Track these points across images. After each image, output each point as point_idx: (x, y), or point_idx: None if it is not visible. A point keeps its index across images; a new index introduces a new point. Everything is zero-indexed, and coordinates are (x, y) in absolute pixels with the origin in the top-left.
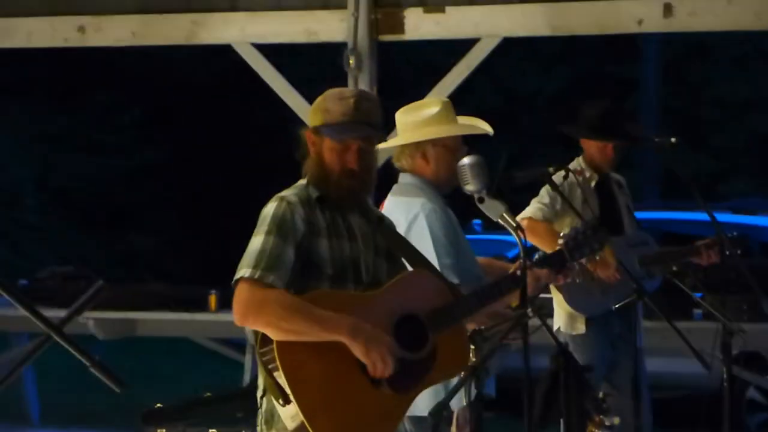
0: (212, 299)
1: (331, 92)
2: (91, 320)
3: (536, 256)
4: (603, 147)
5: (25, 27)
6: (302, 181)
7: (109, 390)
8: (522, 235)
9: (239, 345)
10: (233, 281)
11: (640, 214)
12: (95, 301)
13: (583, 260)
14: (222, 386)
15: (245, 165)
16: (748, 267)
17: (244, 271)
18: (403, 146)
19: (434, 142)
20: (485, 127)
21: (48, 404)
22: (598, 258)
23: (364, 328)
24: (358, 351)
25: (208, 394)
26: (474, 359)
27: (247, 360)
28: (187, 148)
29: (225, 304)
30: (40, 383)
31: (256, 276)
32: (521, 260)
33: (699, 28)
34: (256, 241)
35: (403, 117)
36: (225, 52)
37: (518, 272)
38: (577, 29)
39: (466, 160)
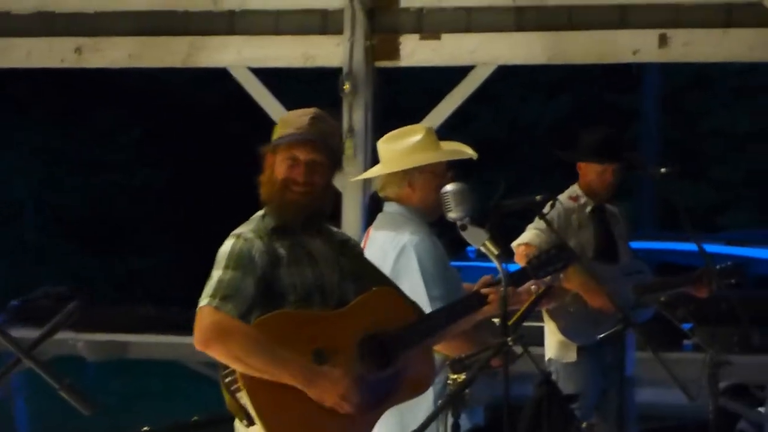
0: None
1: (293, 111)
2: (80, 342)
3: (499, 275)
4: (602, 171)
5: (24, 47)
6: (257, 214)
7: (98, 412)
8: (503, 263)
9: None
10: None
11: (635, 244)
12: (69, 321)
13: (548, 278)
14: (210, 410)
15: (242, 188)
16: (741, 298)
17: (202, 301)
18: (389, 175)
19: (421, 170)
20: (470, 152)
21: (37, 425)
22: (562, 277)
23: (319, 376)
24: (313, 397)
25: (196, 417)
26: (453, 387)
27: None
28: (185, 169)
29: None
30: (29, 404)
31: (214, 304)
32: (500, 288)
33: (694, 58)
34: (214, 275)
35: (386, 145)
36: (225, 74)
37: (483, 290)
38: (572, 58)
39: (449, 187)
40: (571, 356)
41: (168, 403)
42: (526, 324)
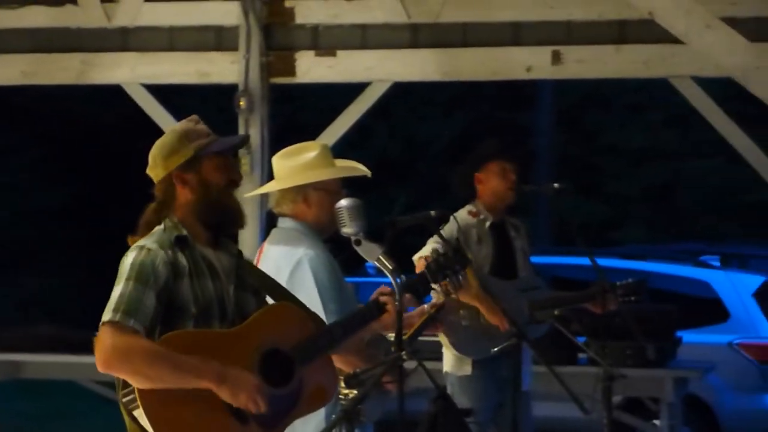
0: None
1: (168, 133)
2: None
3: (399, 280)
4: (503, 172)
5: None
6: (158, 227)
7: None
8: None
9: None
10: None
11: (531, 258)
12: None
13: (446, 282)
14: (107, 431)
15: (141, 207)
16: (634, 312)
17: (105, 316)
18: (284, 191)
19: (316, 186)
20: (363, 170)
21: None
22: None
23: (229, 373)
24: (226, 397)
25: None
26: (346, 403)
27: None
28: (83, 189)
29: None
30: None
31: (116, 319)
32: (396, 301)
33: (587, 75)
34: (116, 290)
35: (281, 161)
36: (123, 92)
37: (381, 299)
38: (467, 75)
39: (343, 203)
40: (466, 370)
41: (64, 423)
42: (424, 338)
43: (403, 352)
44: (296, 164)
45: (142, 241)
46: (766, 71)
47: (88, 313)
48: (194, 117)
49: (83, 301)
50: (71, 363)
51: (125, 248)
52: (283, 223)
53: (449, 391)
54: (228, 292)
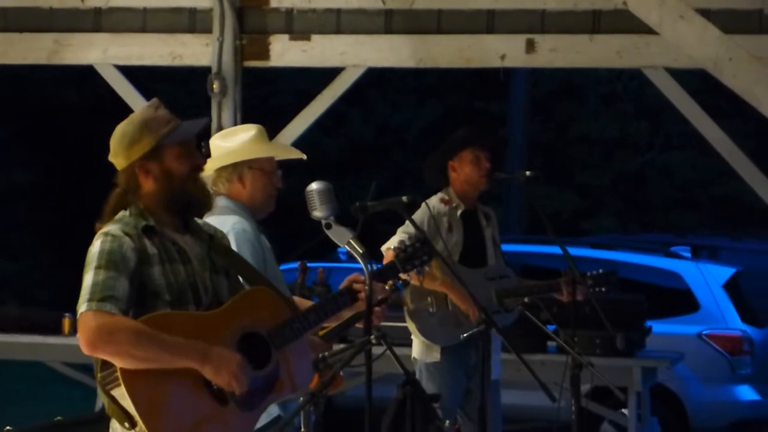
0: (66, 323)
1: (128, 122)
2: None
3: (370, 266)
4: (477, 160)
5: None
6: (123, 213)
7: None
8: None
9: (92, 370)
10: (77, 319)
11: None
12: None
13: (414, 271)
14: (74, 411)
15: (111, 190)
16: (604, 301)
17: (80, 307)
18: (220, 170)
19: (251, 165)
20: (299, 154)
21: None
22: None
23: (212, 351)
24: (209, 374)
25: (59, 418)
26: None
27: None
28: (54, 171)
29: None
30: None
31: (93, 307)
32: (365, 285)
33: (561, 64)
34: (87, 278)
35: (218, 142)
36: (95, 73)
37: (355, 286)
38: (441, 62)
39: (313, 186)
40: (435, 356)
41: (31, 404)
42: (394, 324)
43: (372, 337)
44: (232, 144)
45: (107, 228)
46: (739, 63)
47: (56, 295)
48: (155, 101)
49: (51, 282)
50: (37, 344)
51: (92, 231)
52: (219, 201)
53: (417, 377)
54: (203, 277)
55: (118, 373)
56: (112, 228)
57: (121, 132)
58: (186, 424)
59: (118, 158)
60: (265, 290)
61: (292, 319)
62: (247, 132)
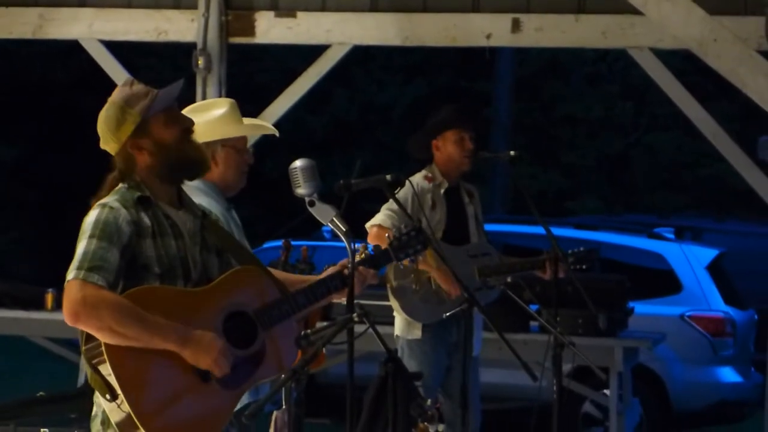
0: (49, 298)
1: (108, 106)
2: None
3: (359, 250)
4: (460, 140)
5: None
6: (121, 186)
7: None
8: (350, 239)
9: (75, 345)
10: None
11: (484, 226)
12: None
13: (408, 260)
14: (56, 386)
15: (96, 165)
16: (587, 281)
17: (69, 274)
18: None
19: (224, 143)
20: (272, 129)
21: None
22: (422, 260)
23: (192, 336)
24: (189, 358)
25: (42, 393)
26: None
27: (82, 361)
28: (37, 146)
29: (62, 303)
30: None
31: (81, 276)
32: (349, 263)
33: (546, 44)
34: (80, 247)
35: (189, 116)
36: (80, 48)
37: (346, 271)
38: (427, 40)
39: (297, 163)
40: (416, 333)
41: (13, 379)
42: (377, 303)
43: (354, 315)
44: (204, 120)
45: (104, 200)
46: (724, 44)
47: (39, 270)
48: (128, 79)
49: (35, 257)
50: (20, 318)
51: (77, 206)
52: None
53: (399, 354)
54: (193, 253)
55: (103, 348)
56: (109, 200)
57: (104, 117)
58: (167, 399)
59: (109, 144)
60: (255, 270)
61: (281, 300)
62: (220, 108)
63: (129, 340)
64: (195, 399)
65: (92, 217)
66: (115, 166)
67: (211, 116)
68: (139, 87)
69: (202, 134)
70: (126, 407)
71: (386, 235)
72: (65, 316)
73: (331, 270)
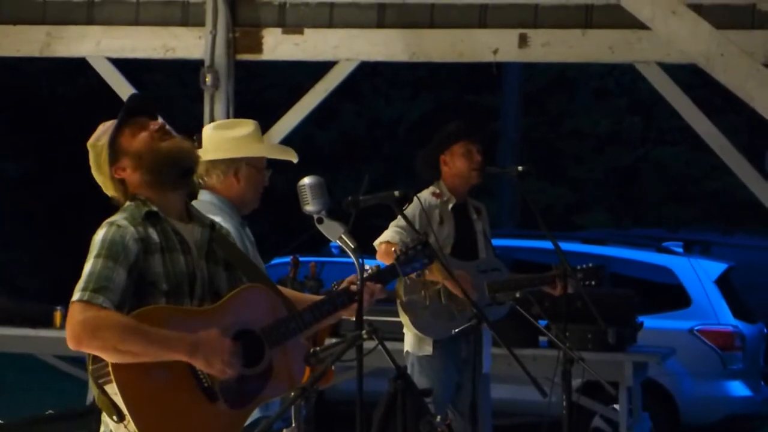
0: (57, 316)
1: (90, 151)
2: None
3: (369, 271)
4: (468, 153)
5: None
6: (129, 203)
7: None
8: (359, 256)
9: (84, 363)
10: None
11: (492, 241)
12: None
13: (414, 274)
14: (65, 404)
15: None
16: (596, 296)
17: (75, 295)
18: (215, 162)
19: (248, 162)
20: (294, 155)
21: None
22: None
23: (200, 340)
24: (200, 365)
25: (50, 411)
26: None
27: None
28: (45, 162)
29: None
30: None
31: (85, 298)
32: (357, 280)
33: (553, 59)
34: (87, 267)
35: (214, 133)
36: (88, 64)
37: (353, 287)
38: (434, 56)
39: (306, 180)
40: (427, 350)
41: (22, 396)
42: (386, 319)
43: (363, 331)
44: (230, 137)
45: (112, 218)
46: (731, 58)
47: (43, 286)
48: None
49: (41, 274)
50: (29, 336)
51: (84, 222)
52: (203, 196)
53: (409, 371)
54: (201, 268)
55: (110, 368)
56: (117, 218)
57: (91, 163)
58: (174, 420)
59: (104, 184)
60: (262, 288)
61: (288, 318)
62: (246, 127)
63: (136, 357)
64: (202, 419)
65: (99, 236)
66: (115, 199)
67: (237, 134)
68: (108, 123)
69: (227, 150)
70: (133, 427)
71: (393, 249)
72: (68, 341)
73: (338, 286)
